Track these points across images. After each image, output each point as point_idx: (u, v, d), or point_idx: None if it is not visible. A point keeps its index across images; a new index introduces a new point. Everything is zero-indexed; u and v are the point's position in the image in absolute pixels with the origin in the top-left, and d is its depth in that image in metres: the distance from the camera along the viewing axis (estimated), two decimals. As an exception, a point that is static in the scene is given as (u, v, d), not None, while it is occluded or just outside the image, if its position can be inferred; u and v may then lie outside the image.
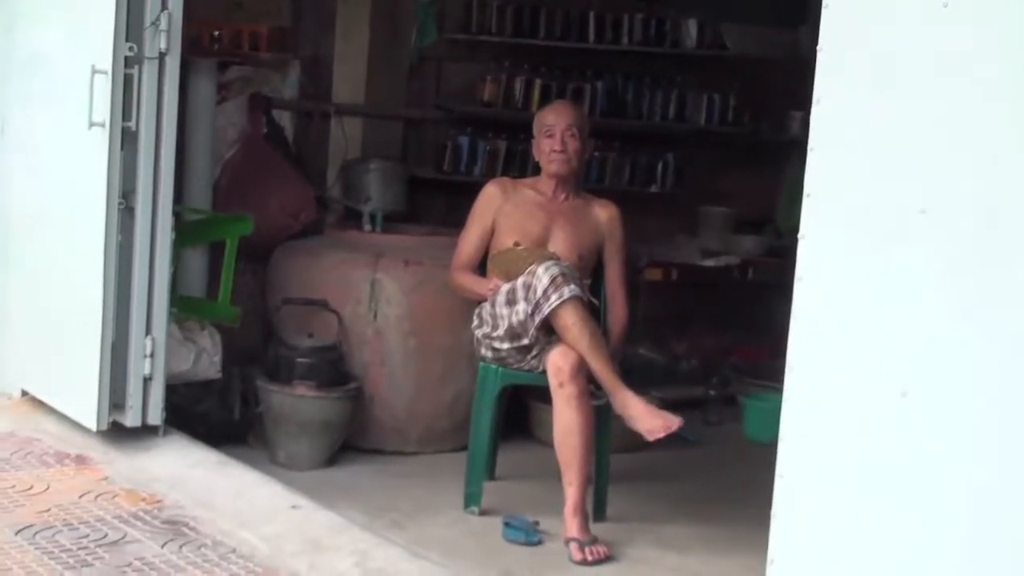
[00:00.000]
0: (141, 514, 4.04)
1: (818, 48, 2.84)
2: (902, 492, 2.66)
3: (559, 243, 4.79)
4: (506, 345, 4.57)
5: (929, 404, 2.62)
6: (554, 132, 4.81)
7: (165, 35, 4.52)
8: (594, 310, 4.62)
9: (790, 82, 6.27)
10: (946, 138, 2.61)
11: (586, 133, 4.89)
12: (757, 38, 7.08)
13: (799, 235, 2.88)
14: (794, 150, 6.95)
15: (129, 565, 3.63)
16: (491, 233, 4.85)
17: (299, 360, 5.10)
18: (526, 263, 4.54)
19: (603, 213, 4.91)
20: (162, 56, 4.55)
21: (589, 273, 4.82)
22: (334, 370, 5.16)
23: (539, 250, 4.71)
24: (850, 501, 2.76)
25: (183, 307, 5.12)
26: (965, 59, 2.58)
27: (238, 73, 6.00)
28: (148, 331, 4.65)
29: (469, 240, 4.87)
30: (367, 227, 5.85)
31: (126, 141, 4.52)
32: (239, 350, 5.32)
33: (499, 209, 4.84)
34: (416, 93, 6.57)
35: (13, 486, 4.19)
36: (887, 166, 2.71)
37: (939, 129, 2.62)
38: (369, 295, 5.30)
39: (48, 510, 4.00)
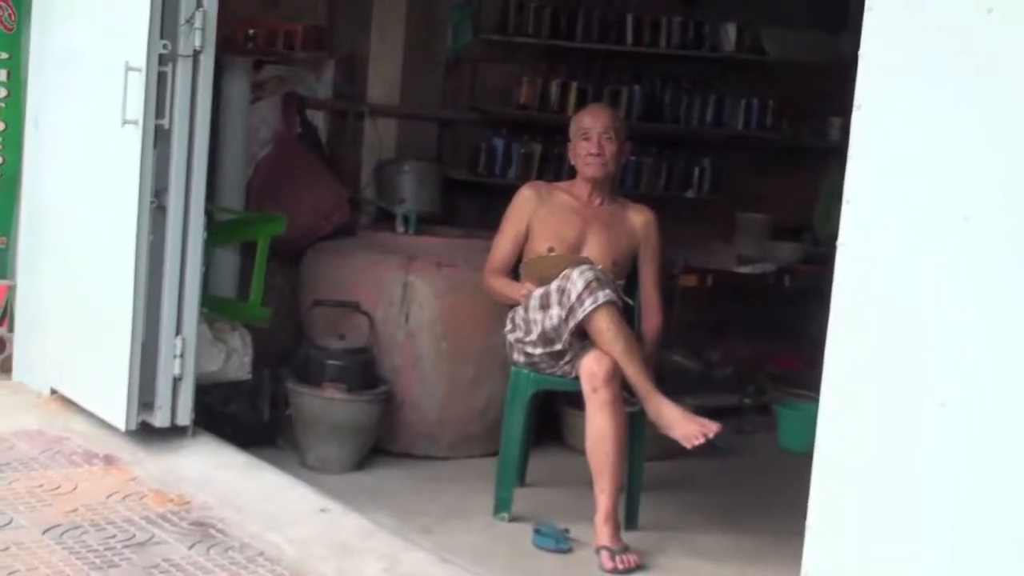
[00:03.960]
0: (169, 515, 4.04)
1: (859, 53, 2.82)
2: (941, 505, 2.63)
3: (594, 248, 4.77)
4: (539, 350, 4.56)
5: (969, 415, 2.60)
6: (590, 135, 4.80)
7: (200, 33, 4.53)
8: (628, 315, 4.61)
9: (830, 87, 6.24)
10: (990, 144, 2.59)
11: (623, 137, 4.87)
12: (797, 42, 7.06)
13: (838, 242, 2.86)
14: (833, 156, 6.93)
15: (156, 567, 3.64)
16: (525, 237, 4.84)
17: (329, 362, 5.10)
18: (560, 268, 4.53)
19: (638, 218, 4.90)
20: (196, 54, 4.55)
21: (624, 279, 4.81)
22: (365, 373, 5.16)
23: (573, 255, 4.69)
24: (887, 513, 2.74)
25: (214, 307, 5.13)
26: (1010, 64, 2.56)
27: (272, 72, 6.01)
28: (178, 331, 4.66)
29: (503, 244, 4.86)
30: (400, 229, 5.85)
31: (159, 139, 4.53)
32: (269, 351, 5.33)
33: (533, 213, 4.83)
34: (451, 94, 6.57)
35: (41, 485, 4.21)
36: (929, 173, 2.69)
37: (983, 135, 2.60)
38: (401, 297, 5.30)
39: (75, 510, 4.01)
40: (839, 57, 6.77)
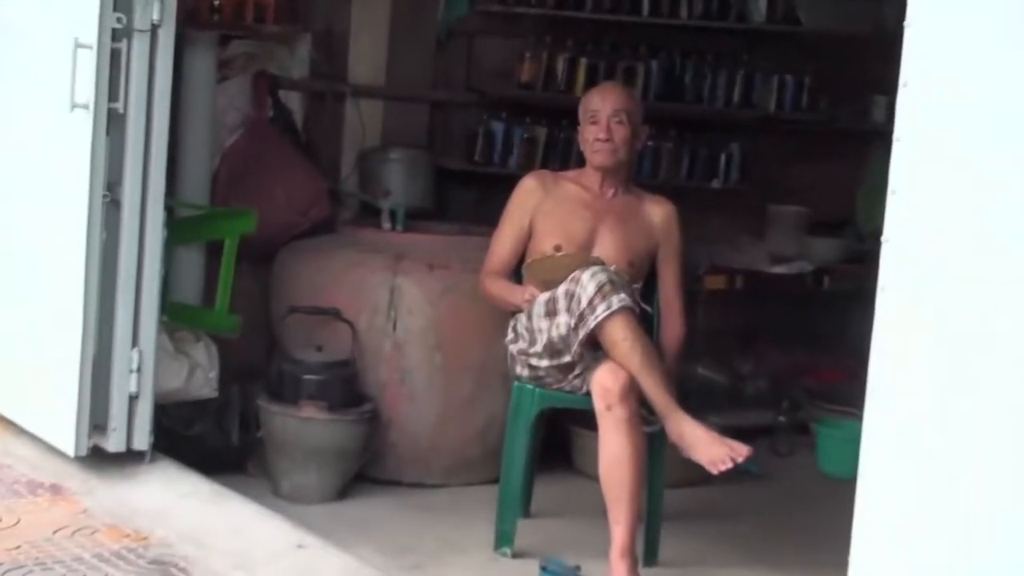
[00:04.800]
0: (124, 552, 4.04)
1: (905, 23, 2.81)
2: (1005, 538, 2.62)
3: (606, 246, 4.77)
4: (545, 363, 4.56)
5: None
6: (599, 118, 4.79)
7: (158, 4, 4.52)
8: (647, 322, 4.60)
9: (873, 62, 6.22)
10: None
11: (638, 120, 4.87)
12: (835, 11, 7.04)
13: (882, 238, 2.85)
14: (877, 140, 6.90)
15: (110, 611, 3.63)
16: (528, 234, 4.84)
17: (307, 377, 5.10)
18: (568, 269, 4.53)
19: (657, 212, 4.89)
20: (154, 28, 4.55)
21: (641, 281, 4.80)
22: (347, 389, 5.16)
23: (583, 254, 4.69)
24: (942, 548, 2.73)
25: (175, 315, 5.12)
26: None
27: (241, 48, 6.00)
28: (135, 343, 4.66)
29: (503, 242, 4.86)
30: (386, 225, 5.84)
31: (112, 125, 4.52)
32: (238, 365, 5.32)
33: (537, 207, 4.83)
34: (444, 73, 6.56)
35: (-21, 518, 4.20)
36: (984, 158, 2.68)
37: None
38: (388, 303, 5.29)
39: (19, 547, 4.00)
40: (883, 27, 6.77)
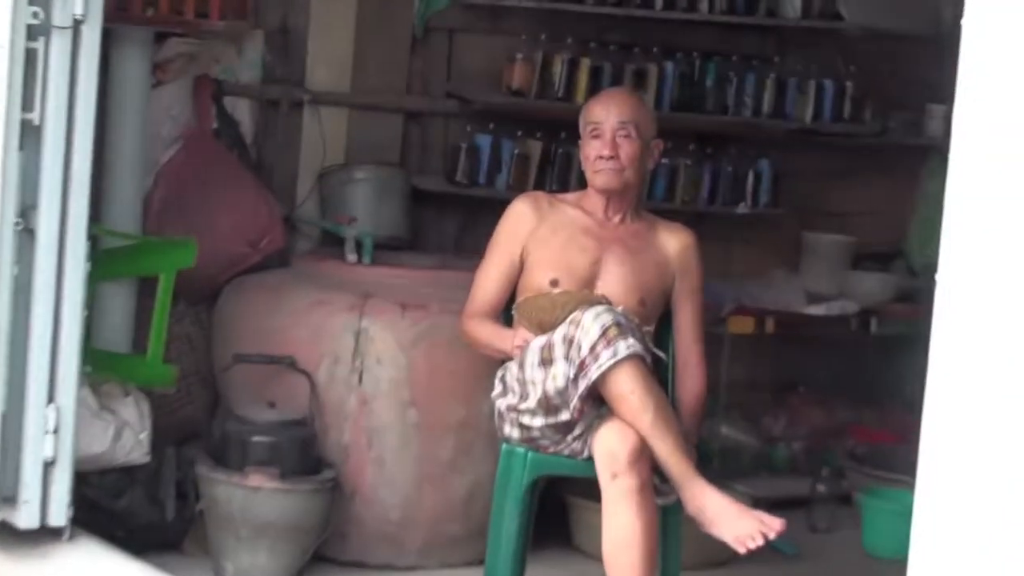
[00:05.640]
0: (38, 647, 4.02)
1: (963, 19, 2.82)
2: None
3: (613, 281, 4.77)
4: (539, 421, 4.55)
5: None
6: (601, 131, 4.80)
7: (81, -4, 4.54)
8: (660, 373, 4.61)
9: (928, 65, 6.26)
10: None
11: (650, 133, 4.87)
12: (883, 5, 7.07)
13: (937, 274, 2.85)
14: (933, 157, 6.94)
15: None
16: (519, 267, 4.83)
17: (256, 439, 5.09)
18: (566, 309, 4.53)
19: (673, 242, 4.90)
20: (77, 25, 4.55)
21: (653, 323, 4.81)
22: (303, 453, 5.16)
23: (584, 292, 4.69)
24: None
25: (100, 365, 5.11)
26: None
27: (180, 48, 6.01)
28: (51, 398, 4.64)
29: (489, 277, 4.86)
30: (351, 257, 5.85)
31: (27, 139, 4.52)
32: (174, 425, 5.32)
33: (531, 235, 4.83)
34: (420, 77, 6.58)
35: None
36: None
37: None
38: (353, 351, 5.30)
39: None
40: (940, 23, 6.80)
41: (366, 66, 6.39)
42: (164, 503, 5.27)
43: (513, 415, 4.62)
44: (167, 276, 5.21)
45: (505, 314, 4.87)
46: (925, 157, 7.03)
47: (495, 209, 5.04)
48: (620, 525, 4.35)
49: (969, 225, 2.83)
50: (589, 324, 4.41)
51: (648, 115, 4.94)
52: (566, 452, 4.59)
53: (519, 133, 6.58)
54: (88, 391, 4.92)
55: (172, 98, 5.96)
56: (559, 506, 5.50)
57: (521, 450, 4.64)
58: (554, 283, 4.75)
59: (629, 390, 4.38)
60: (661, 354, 4.68)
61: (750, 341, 6.59)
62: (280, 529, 5.05)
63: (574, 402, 4.44)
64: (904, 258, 7.21)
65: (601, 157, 4.79)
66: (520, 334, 4.65)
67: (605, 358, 4.36)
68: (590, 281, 4.77)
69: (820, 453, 6.50)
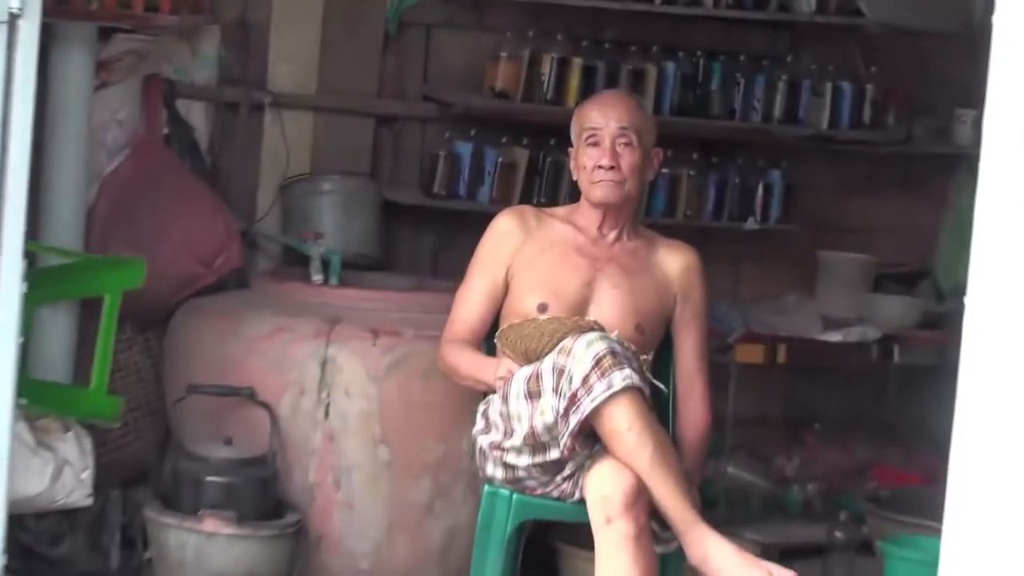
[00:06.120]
0: None
1: (995, 14, 2.83)
2: None
3: (607, 305, 4.77)
4: (525, 460, 4.55)
5: None
6: (600, 138, 4.80)
7: (17, -13, 4.53)
8: (660, 407, 4.61)
9: (957, 65, 6.27)
10: None
11: (651, 141, 4.88)
12: (906, 0, 7.09)
13: (967, 296, 2.86)
14: (963, 166, 6.94)
15: None
16: (503, 290, 4.83)
17: (210, 479, 5.09)
18: (555, 336, 4.52)
19: (674, 261, 4.90)
20: (13, 19, 4.54)
21: (652, 352, 4.81)
22: (263, 495, 5.17)
23: (575, 318, 4.69)
24: None
25: (37, 397, 5.10)
26: None
27: (127, 45, 6.01)
28: (-17, 433, 4.64)
29: (470, 300, 4.85)
30: (317, 278, 5.84)
31: (-45, 146, 4.52)
32: (120, 463, 5.30)
33: (516, 253, 4.83)
34: (394, 77, 6.58)
35: None
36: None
37: None
38: (319, 382, 5.30)
39: None
40: (970, 20, 6.81)
41: (334, 65, 6.40)
42: (108, 550, 5.26)
43: (496, 453, 4.62)
44: (112, 298, 5.20)
45: (488, 342, 4.87)
46: (954, 167, 7.04)
47: (477, 224, 5.04)
48: (615, 575, 4.35)
49: (1002, 242, 2.83)
50: (581, 353, 4.41)
51: (649, 121, 4.95)
52: (555, 494, 4.59)
53: (503, 140, 6.58)
54: (24, 426, 4.91)
55: (118, 101, 5.96)
56: (547, 554, 5.49)
57: (505, 492, 4.64)
58: (542, 308, 4.75)
59: (625, 426, 4.38)
60: (661, 386, 4.68)
61: (760, 371, 6.59)
62: (237, 579, 5.05)
63: (564, 439, 4.44)
64: (930, 279, 7.21)
65: (600, 167, 4.78)
66: (503, 364, 4.65)
67: (599, 390, 4.36)
68: (582, 305, 4.78)
69: (838, 496, 6.49)
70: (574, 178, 4.93)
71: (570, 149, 4.93)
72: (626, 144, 4.80)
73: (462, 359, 4.83)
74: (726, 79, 6.91)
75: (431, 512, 5.34)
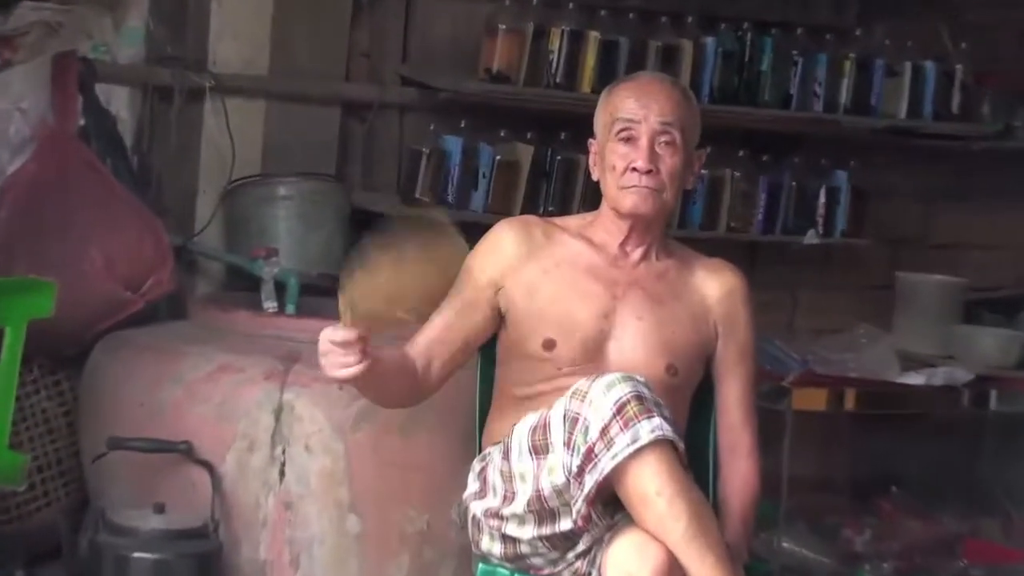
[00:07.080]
0: None
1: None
2: None
3: (631, 342, 4.76)
4: (530, 531, 4.54)
5: None
6: (637, 133, 4.75)
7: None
8: (697, 464, 4.61)
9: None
10: None
11: (694, 141, 4.78)
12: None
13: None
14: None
15: None
16: (490, 312, 4.75)
17: (137, 556, 5.10)
18: (415, 280, 4.43)
19: (715, 285, 4.89)
20: None
21: (688, 397, 4.81)
22: (203, 575, 5.15)
23: (433, 214, 4.65)
24: None
25: (-79, 453, 5.12)
26: None
27: (33, 16, 6.03)
28: None
29: (440, 310, 4.69)
30: (270, 305, 5.86)
31: None
32: (25, 535, 5.31)
33: (514, 274, 4.79)
34: (367, 56, 6.60)
35: None
36: None
37: None
38: (272, 434, 5.30)
39: None
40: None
41: (290, 41, 6.42)
42: (9, 645, 5.28)
43: (494, 523, 4.62)
44: (15, 329, 5.21)
45: (483, 380, 4.85)
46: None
47: (469, 239, 4.99)
48: (643, 676, 4.36)
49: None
50: (599, 397, 4.38)
51: (696, 116, 4.81)
52: (566, 574, 4.59)
53: (502, 133, 6.60)
54: (-96, 489, 4.93)
55: (22, 85, 5.98)
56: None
57: (505, 572, 4.65)
58: (548, 345, 4.71)
59: (655, 489, 4.36)
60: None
61: (822, 421, 6.62)
62: None
63: (578, 505, 4.42)
64: (1034, 307, 7.25)
65: (634, 169, 4.74)
66: (340, 332, 4.36)
67: (621, 444, 4.35)
68: (598, 342, 4.73)
69: (919, 575, 6.51)
70: (595, 178, 4.86)
71: (590, 142, 4.88)
72: (668, 143, 4.72)
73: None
74: (780, 58, 6.93)
75: (412, 597, 5.35)
